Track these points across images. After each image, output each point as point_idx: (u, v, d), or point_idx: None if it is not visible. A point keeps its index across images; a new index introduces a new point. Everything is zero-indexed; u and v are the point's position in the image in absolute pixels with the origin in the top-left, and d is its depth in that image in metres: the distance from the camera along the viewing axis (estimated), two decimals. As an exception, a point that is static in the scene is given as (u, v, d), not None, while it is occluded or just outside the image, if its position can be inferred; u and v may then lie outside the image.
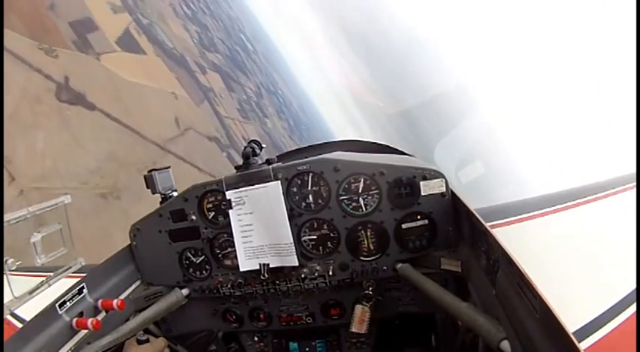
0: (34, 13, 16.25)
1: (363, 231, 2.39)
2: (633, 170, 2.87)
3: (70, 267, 2.59)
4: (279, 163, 2.44)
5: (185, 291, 2.62)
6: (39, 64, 14.14)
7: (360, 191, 2.35)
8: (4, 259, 2.12)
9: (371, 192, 2.34)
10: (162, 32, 24.16)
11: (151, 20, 23.58)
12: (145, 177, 2.74)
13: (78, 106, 14.11)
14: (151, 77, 19.42)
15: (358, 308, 2.42)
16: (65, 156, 12.23)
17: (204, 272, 2.61)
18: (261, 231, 2.44)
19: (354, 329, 2.42)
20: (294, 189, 2.41)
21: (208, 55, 29.13)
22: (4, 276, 2.13)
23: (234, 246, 2.48)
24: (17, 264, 2.73)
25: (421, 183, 2.26)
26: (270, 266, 2.43)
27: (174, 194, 2.71)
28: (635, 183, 2.77)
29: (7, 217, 2.13)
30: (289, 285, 2.51)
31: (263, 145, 2.50)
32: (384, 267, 2.39)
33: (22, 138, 11.32)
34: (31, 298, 2.27)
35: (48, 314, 1.95)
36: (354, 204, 2.37)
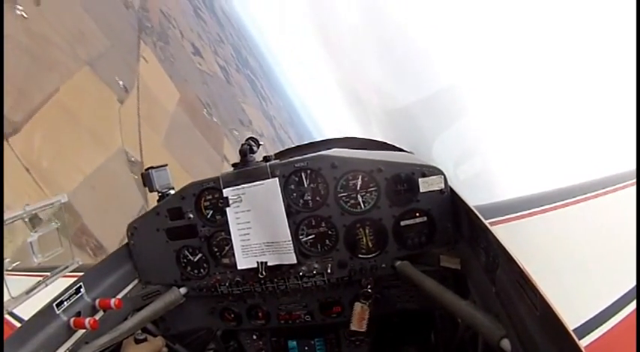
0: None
1: (361, 229, 2.38)
2: (633, 167, 2.86)
3: (67, 267, 2.58)
4: (277, 160, 2.43)
5: (183, 290, 2.60)
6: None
7: (358, 188, 2.33)
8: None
9: (369, 189, 2.32)
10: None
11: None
12: (142, 174, 2.73)
13: None
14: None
15: (357, 306, 2.41)
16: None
17: (202, 270, 2.60)
18: (258, 229, 2.42)
19: (353, 328, 2.41)
20: (292, 187, 2.40)
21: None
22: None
23: (232, 244, 2.47)
24: (14, 264, 2.72)
25: (420, 179, 2.24)
26: (268, 264, 2.41)
27: (172, 192, 2.70)
28: (635, 180, 2.76)
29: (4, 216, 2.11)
30: (287, 283, 2.50)
31: (260, 142, 2.48)
32: (383, 265, 2.38)
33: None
34: (28, 298, 2.25)
35: (45, 314, 1.94)
36: (352, 201, 2.35)
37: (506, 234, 1.62)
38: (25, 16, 15.25)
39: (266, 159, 2.45)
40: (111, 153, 15.70)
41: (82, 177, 14.20)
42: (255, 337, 2.95)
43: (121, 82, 20.35)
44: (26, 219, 2.22)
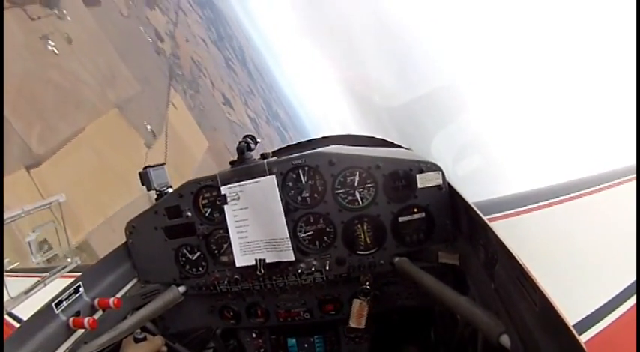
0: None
1: (359, 225, 2.37)
2: (633, 162, 2.86)
3: (66, 266, 2.57)
4: (274, 158, 2.41)
5: (182, 289, 2.60)
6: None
7: (355, 184, 2.32)
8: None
9: (367, 186, 2.31)
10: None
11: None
12: (139, 173, 2.71)
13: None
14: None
15: (356, 302, 2.40)
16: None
17: (200, 268, 2.59)
18: (256, 227, 2.42)
19: (352, 325, 2.40)
20: (290, 184, 2.39)
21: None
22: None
23: (230, 242, 2.46)
24: (14, 264, 2.71)
25: (418, 175, 2.23)
26: (267, 261, 2.41)
27: (170, 190, 2.69)
28: (635, 175, 2.75)
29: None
30: (286, 281, 2.49)
31: (258, 140, 2.47)
32: (381, 262, 2.37)
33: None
34: (27, 298, 2.25)
35: (44, 314, 1.94)
36: (350, 197, 2.34)
37: (505, 230, 1.62)
38: (56, 52, 15.30)
39: (263, 156, 2.43)
40: (134, 198, 15.62)
41: (102, 219, 14.17)
42: (254, 335, 2.95)
43: (149, 127, 20.38)
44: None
